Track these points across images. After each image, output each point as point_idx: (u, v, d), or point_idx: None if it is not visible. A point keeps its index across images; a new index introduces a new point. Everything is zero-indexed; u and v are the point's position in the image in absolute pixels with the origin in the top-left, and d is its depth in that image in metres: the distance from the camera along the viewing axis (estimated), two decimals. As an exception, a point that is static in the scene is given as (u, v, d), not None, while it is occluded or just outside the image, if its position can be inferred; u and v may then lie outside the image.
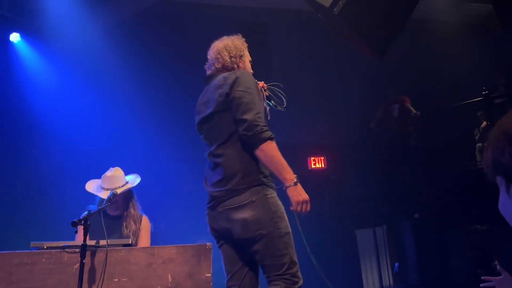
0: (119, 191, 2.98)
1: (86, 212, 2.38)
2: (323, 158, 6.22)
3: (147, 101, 5.39)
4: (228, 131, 2.22)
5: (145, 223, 3.20)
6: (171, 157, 5.43)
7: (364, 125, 6.73)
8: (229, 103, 2.22)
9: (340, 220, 5.71)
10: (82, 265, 2.24)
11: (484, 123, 6.03)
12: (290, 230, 2.20)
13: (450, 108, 6.64)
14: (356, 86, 6.56)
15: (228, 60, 2.40)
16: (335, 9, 3.18)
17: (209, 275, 2.49)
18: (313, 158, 6.18)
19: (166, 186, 5.20)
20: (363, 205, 5.41)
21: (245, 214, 2.12)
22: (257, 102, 2.19)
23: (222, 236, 2.33)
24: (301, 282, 2.15)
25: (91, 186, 3.05)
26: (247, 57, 2.52)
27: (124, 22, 5.48)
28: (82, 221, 2.29)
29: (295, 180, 2.09)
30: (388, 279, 5.12)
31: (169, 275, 2.46)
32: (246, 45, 2.50)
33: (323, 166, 6.19)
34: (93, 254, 2.41)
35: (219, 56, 2.41)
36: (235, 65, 2.41)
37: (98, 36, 5.14)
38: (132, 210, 3.12)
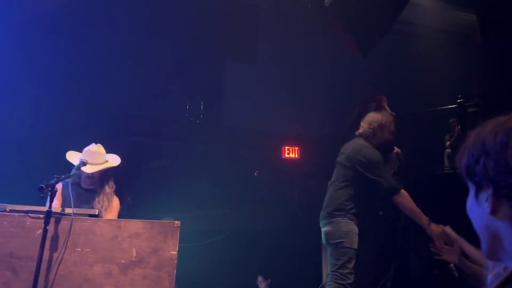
0: (97, 168, 2.97)
1: (55, 179, 2.33)
2: (297, 148, 6.25)
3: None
4: None
5: (116, 203, 3.22)
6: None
7: (341, 120, 6.80)
8: None
9: (308, 211, 5.79)
10: (45, 231, 2.20)
11: (457, 129, 6.20)
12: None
13: (424, 112, 6.78)
14: (336, 81, 6.61)
15: None
16: (326, 1, 3.18)
17: (175, 252, 2.49)
18: (287, 147, 6.20)
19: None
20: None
21: None
22: None
23: None
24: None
25: (72, 156, 3.03)
26: None
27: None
28: (49, 187, 2.23)
29: None
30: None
31: (133, 249, 2.44)
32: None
33: (297, 156, 6.24)
34: (57, 222, 2.37)
35: None
36: None
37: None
38: (107, 188, 3.13)
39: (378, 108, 6.69)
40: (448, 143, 6.32)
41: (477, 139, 0.78)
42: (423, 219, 2.81)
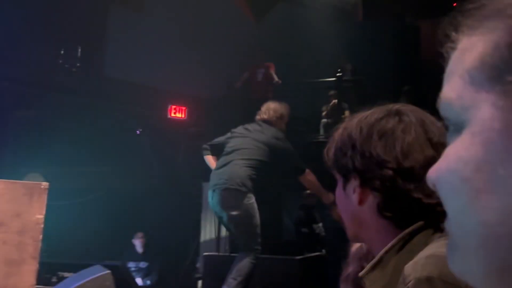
0: None
1: None
2: (184, 108, 6.08)
3: None
4: None
5: None
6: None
7: (230, 83, 6.78)
8: None
9: (191, 171, 5.74)
10: None
11: (333, 102, 6.65)
12: None
13: (307, 82, 7.13)
14: (228, 42, 6.51)
15: None
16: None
17: (41, 216, 2.24)
18: (174, 106, 5.99)
19: None
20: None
21: None
22: None
23: None
24: None
25: None
26: None
27: None
28: None
29: None
30: (225, 232, 5.39)
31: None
32: None
33: (183, 116, 6.06)
34: None
35: None
36: None
37: None
38: None
39: (266, 75, 6.84)
40: (324, 113, 6.77)
41: (344, 132, 0.82)
42: (322, 191, 3.09)
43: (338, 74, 6.84)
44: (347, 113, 6.59)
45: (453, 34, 0.36)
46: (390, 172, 0.74)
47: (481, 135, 0.32)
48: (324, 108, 6.75)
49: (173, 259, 5.82)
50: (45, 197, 2.28)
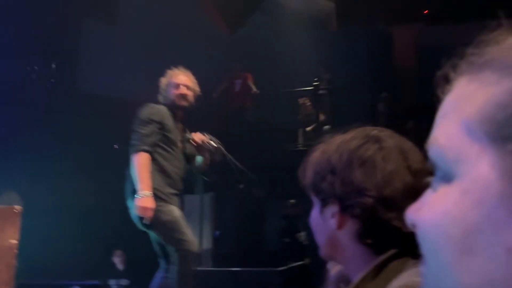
0: None
1: None
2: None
3: None
4: None
5: None
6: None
7: (206, 94, 6.76)
8: None
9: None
10: None
11: (308, 110, 6.72)
12: None
13: (284, 92, 7.18)
14: (204, 54, 6.50)
15: None
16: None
17: (15, 241, 2.16)
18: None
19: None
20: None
21: None
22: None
23: None
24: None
25: None
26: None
27: None
28: None
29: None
30: (208, 244, 5.34)
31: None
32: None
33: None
34: None
35: None
36: None
37: None
38: None
39: (244, 85, 6.86)
40: (301, 121, 6.83)
41: (323, 156, 0.81)
42: (141, 185, 2.64)
43: (314, 83, 6.91)
44: (322, 118, 6.66)
45: (452, 74, 0.34)
46: (370, 200, 0.74)
47: (473, 194, 0.30)
48: (300, 117, 6.81)
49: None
50: (19, 221, 2.21)
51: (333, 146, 0.81)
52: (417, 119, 5.71)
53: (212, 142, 2.97)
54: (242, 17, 3.70)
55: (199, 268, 4.66)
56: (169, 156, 2.83)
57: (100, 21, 5.95)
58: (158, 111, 2.83)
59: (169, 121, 2.84)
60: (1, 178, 4.60)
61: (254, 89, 6.61)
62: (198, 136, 2.97)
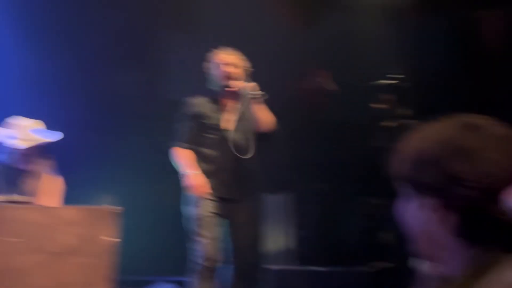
0: (28, 143, 2.68)
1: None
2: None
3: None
4: None
5: (58, 184, 2.90)
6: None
7: (283, 92, 6.81)
8: None
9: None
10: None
11: (388, 105, 6.45)
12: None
13: (365, 86, 6.96)
14: (278, 52, 6.56)
15: None
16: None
17: (115, 239, 2.40)
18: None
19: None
20: (275, 171, 5.54)
21: None
22: None
23: None
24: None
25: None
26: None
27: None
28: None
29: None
30: (289, 244, 5.40)
31: (70, 237, 2.32)
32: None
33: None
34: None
35: None
36: None
37: None
38: (42, 167, 2.81)
39: (322, 83, 6.79)
40: (384, 117, 6.57)
41: (422, 146, 0.77)
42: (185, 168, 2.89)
43: (395, 76, 6.63)
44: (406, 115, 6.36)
45: None
46: (474, 192, 0.71)
47: None
48: (382, 112, 6.57)
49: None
50: (118, 220, 2.45)
51: (431, 136, 0.77)
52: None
53: (248, 89, 2.90)
54: (317, 13, 3.69)
55: (285, 267, 4.73)
56: (211, 142, 2.93)
57: (183, 32, 6.28)
58: (191, 103, 3.00)
59: (205, 108, 2.97)
60: (105, 181, 5.07)
61: (331, 85, 6.53)
62: (236, 84, 2.97)
